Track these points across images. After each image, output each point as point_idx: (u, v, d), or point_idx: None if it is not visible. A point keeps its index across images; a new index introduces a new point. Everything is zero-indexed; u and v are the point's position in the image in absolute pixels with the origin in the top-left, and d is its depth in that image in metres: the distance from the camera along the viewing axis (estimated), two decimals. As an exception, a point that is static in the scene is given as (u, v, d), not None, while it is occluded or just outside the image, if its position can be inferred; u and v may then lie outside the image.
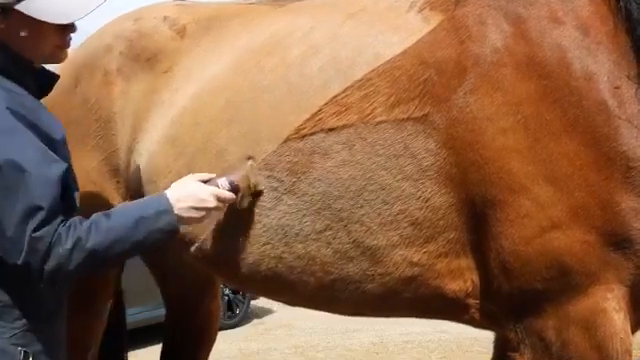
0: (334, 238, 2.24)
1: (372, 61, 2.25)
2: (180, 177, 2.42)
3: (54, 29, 1.94)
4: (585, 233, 2.00)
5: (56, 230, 1.83)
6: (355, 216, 2.20)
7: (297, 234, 2.28)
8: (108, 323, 3.13)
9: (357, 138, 2.20)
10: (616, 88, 2.02)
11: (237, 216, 2.35)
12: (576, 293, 2.02)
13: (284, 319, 8.25)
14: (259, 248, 2.34)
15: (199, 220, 2.13)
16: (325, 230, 2.25)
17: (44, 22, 1.91)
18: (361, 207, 2.20)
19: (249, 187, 2.26)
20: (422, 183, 2.14)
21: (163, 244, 2.11)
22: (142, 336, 6.19)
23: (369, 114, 2.19)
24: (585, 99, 2.02)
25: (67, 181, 1.93)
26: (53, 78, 2.12)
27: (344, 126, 2.22)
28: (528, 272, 2.05)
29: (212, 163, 2.41)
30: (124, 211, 2.00)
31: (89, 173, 2.73)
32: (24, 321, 1.92)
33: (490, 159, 2.06)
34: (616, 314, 2.01)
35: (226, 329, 7.54)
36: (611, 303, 2.01)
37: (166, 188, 2.45)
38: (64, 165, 1.91)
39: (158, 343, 3.37)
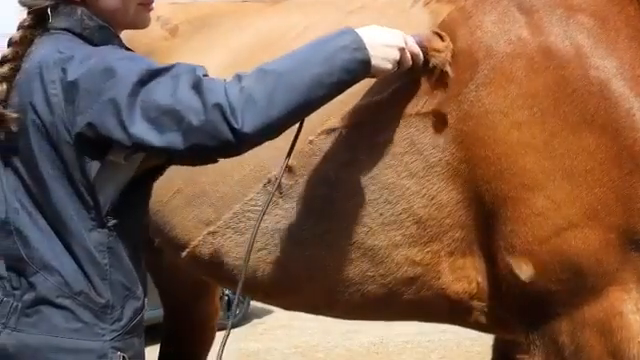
0: (334, 241, 2.18)
1: None
2: (170, 180, 2.34)
3: None
4: (604, 232, 1.91)
5: (210, 81, 1.70)
6: (356, 217, 2.13)
7: (295, 239, 2.21)
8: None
9: (360, 138, 2.13)
10: (638, 77, 1.93)
11: (232, 222, 2.30)
12: (591, 295, 1.94)
13: (284, 319, 8.22)
14: (254, 254, 2.26)
15: (387, 66, 1.89)
16: (325, 233, 2.18)
17: None
18: (363, 208, 2.13)
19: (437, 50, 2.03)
20: (428, 180, 2.06)
21: (351, 82, 1.86)
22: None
23: (373, 113, 2.12)
24: (605, 89, 1.93)
25: None
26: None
27: (345, 126, 2.15)
28: (542, 273, 1.97)
29: (205, 168, 2.29)
30: (311, 46, 1.81)
31: None
32: (124, 322, 1.81)
33: (503, 154, 1.97)
34: (633, 316, 1.92)
35: (226, 329, 7.51)
36: (628, 305, 1.92)
37: (155, 191, 2.40)
38: None
39: (156, 343, 3.32)
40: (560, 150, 1.93)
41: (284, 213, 2.22)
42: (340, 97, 2.10)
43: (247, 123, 1.67)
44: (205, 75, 1.73)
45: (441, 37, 2.02)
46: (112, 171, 1.75)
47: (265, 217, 2.21)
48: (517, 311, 2.08)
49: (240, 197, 2.30)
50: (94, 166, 1.73)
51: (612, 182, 1.90)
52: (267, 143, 2.22)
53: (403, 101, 2.09)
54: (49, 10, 1.82)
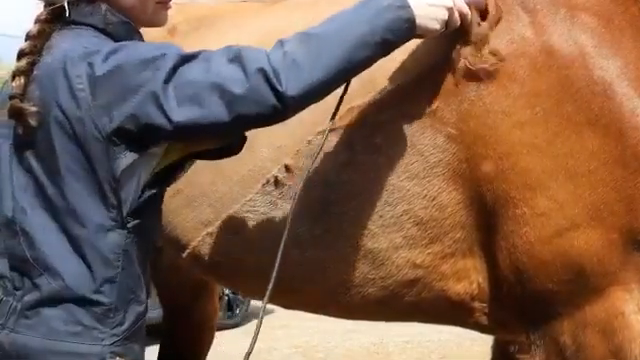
0: (333, 242, 2.16)
1: None
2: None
3: None
4: (607, 232, 1.90)
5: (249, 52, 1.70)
6: (355, 219, 2.12)
7: (294, 239, 2.16)
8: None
9: (359, 138, 2.11)
10: None
11: (231, 222, 2.28)
12: (593, 295, 1.93)
13: (284, 319, 8.21)
14: (254, 255, 2.26)
15: (435, 26, 1.84)
16: (323, 234, 2.16)
17: None
18: (362, 209, 2.11)
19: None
20: (428, 181, 2.05)
21: (397, 42, 1.83)
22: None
23: (372, 113, 2.10)
24: (609, 89, 1.91)
25: None
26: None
27: (344, 126, 2.12)
28: (543, 273, 1.95)
29: (203, 167, 2.29)
30: (353, 7, 1.76)
31: None
32: (125, 327, 1.77)
33: (505, 154, 1.95)
34: (635, 317, 1.91)
35: (226, 329, 7.51)
36: (630, 305, 1.91)
37: None
38: None
39: (156, 344, 3.31)
40: (563, 150, 1.92)
41: (283, 214, 2.19)
42: (337, 96, 2.09)
43: (291, 86, 1.66)
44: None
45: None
46: (139, 167, 1.72)
47: (264, 218, 2.22)
48: (518, 311, 2.06)
49: (239, 197, 2.28)
50: (125, 161, 1.70)
51: (615, 182, 1.89)
52: (266, 143, 2.22)
53: (402, 101, 2.08)
54: (67, 5, 1.79)
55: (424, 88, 2.06)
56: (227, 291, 7.99)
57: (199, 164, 2.32)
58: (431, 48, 2.08)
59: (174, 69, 1.67)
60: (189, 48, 2.58)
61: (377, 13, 1.73)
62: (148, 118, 1.67)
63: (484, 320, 2.15)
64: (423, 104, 2.05)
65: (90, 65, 1.69)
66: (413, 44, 2.10)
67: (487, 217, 2.02)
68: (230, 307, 8.24)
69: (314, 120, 2.14)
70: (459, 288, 2.11)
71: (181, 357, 3.25)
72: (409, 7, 1.76)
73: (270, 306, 7.73)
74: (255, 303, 8.68)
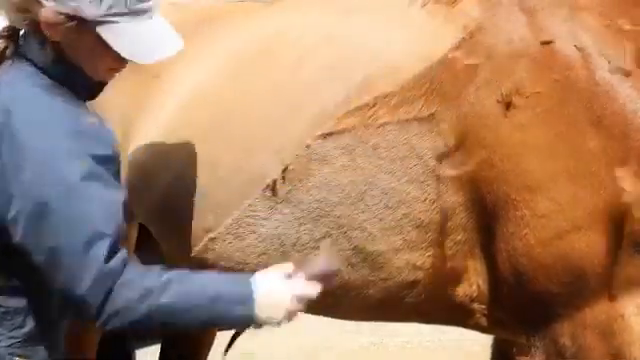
0: (333, 246, 2.15)
1: (372, 62, 2.16)
2: (169, 189, 2.39)
3: (118, 56, 1.80)
4: (608, 235, 1.91)
5: (125, 266, 1.68)
6: (355, 222, 2.12)
7: (294, 243, 2.21)
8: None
9: (358, 142, 2.11)
10: None
11: (232, 228, 2.29)
12: (593, 297, 1.94)
13: (284, 319, 8.22)
14: (255, 259, 2.27)
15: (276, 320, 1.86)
16: (324, 238, 2.17)
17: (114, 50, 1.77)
18: (362, 213, 2.11)
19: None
20: (428, 184, 2.06)
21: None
22: (141, 337, 6.15)
23: (371, 117, 2.10)
24: (612, 90, 1.92)
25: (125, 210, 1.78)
26: (102, 83, 1.95)
27: (343, 130, 2.12)
28: (543, 275, 1.96)
29: (203, 172, 2.35)
30: (206, 281, 1.80)
31: None
32: (26, 330, 1.80)
33: (505, 156, 1.96)
34: (635, 319, 1.93)
35: (226, 329, 7.49)
36: (630, 307, 1.93)
37: (158, 198, 2.41)
38: (124, 193, 1.79)
39: (157, 343, 3.32)
40: (564, 152, 1.92)
41: (283, 218, 2.21)
42: (336, 99, 2.14)
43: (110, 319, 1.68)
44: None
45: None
46: None
47: (264, 222, 2.23)
48: (518, 313, 2.08)
49: (239, 203, 2.29)
50: None
51: (617, 185, 1.90)
52: (265, 148, 2.22)
53: (401, 104, 2.08)
54: (21, 35, 1.78)
55: (421, 90, 2.06)
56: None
57: (199, 170, 2.34)
58: (429, 49, 2.09)
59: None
60: (190, 54, 2.56)
61: (223, 310, 1.75)
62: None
63: (484, 321, 2.17)
64: (422, 107, 2.06)
65: (8, 114, 1.68)
66: (412, 45, 2.13)
67: (487, 219, 2.03)
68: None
69: (313, 124, 2.16)
70: (459, 290, 2.13)
71: (182, 357, 3.26)
72: (252, 315, 1.76)
73: (270, 306, 7.49)
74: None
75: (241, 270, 2.31)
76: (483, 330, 2.25)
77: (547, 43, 1.98)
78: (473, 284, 2.12)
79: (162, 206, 2.48)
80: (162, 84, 2.59)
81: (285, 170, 2.19)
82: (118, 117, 2.60)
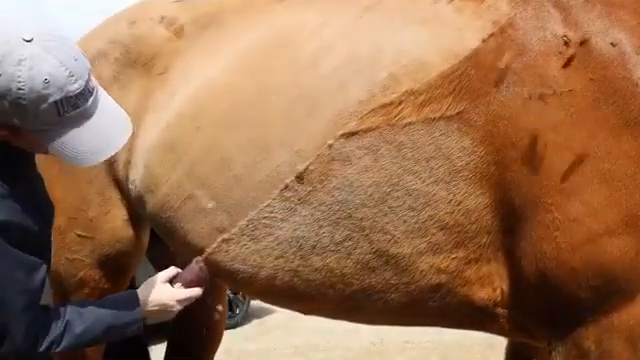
0: (355, 249, 2.10)
1: (397, 58, 2.08)
2: (179, 186, 2.34)
3: None
4: None
5: (33, 337, 1.86)
6: (378, 225, 2.06)
7: (314, 246, 2.14)
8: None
9: (382, 142, 2.04)
10: None
11: (247, 229, 2.24)
12: (622, 301, 1.88)
13: (284, 319, 8.20)
14: (272, 262, 2.21)
15: (165, 319, 2.22)
16: (345, 241, 2.10)
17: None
18: (385, 215, 2.05)
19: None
20: (455, 185, 1.99)
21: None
22: (148, 335, 6.15)
23: (396, 116, 2.04)
24: None
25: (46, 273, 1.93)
26: None
27: (367, 129, 2.06)
28: (572, 280, 1.90)
29: (216, 171, 2.28)
30: (98, 316, 1.98)
31: (92, 183, 2.60)
32: None
33: (536, 157, 1.89)
34: None
35: (226, 329, 7.48)
36: None
37: (164, 197, 2.39)
38: (44, 266, 1.88)
39: (163, 342, 3.33)
40: (599, 153, 1.86)
41: (302, 220, 2.15)
42: (360, 97, 2.08)
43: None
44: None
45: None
46: None
47: (282, 224, 2.17)
48: (541, 317, 2.03)
49: (256, 203, 2.22)
50: None
51: None
52: (283, 147, 2.17)
53: (427, 102, 2.02)
54: None
55: (449, 88, 2.01)
56: (227, 291, 7.96)
57: (212, 168, 2.29)
58: (458, 46, 2.03)
59: None
60: (200, 50, 2.52)
61: (118, 326, 2.00)
62: None
63: (507, 326, 2.11)
64: (449, 105, 2.00)
65: None
66: (440, 42, 2.06)
67: (514, 222, 1.97)
68: (230, 307, 8.23)
69: (335, 122, 2.10)
70: (483, 294, 2.07)
71: (189, 356, 3.23)
72: (139, 322, 2.03)
73: (270, 306, 7.69)
74: (255, 303, 8.68)
75: (257, 273, 2.27)
76: (504, 333, 2.21)
77: (583, 41, 1.92)
78: (497, 289, 2.06)
79: (170, 205, 2.42)
80: (169, 81, 2.52)
81: (305, 170, 2.13)
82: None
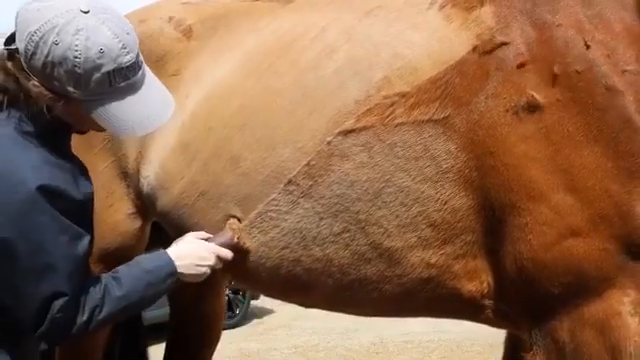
0: (352, 240, 2.23)
1: (391, 61, 2.21)
2: (194, 183, 2.45)
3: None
4: (604, 241, 2.00)
5: (77, 306, 1.85)
6: (373, 218, 2.19)
7: (315, 237, 2.27)
8: (126, 321, 3.11)
9: (376, 140, 2.17)
10: None
11: (256, 221, 2.34)
12: (591, 296, 2.02)
13: (284, 319, 8.23)
14: (278, 253, 2.33)
15: (200, 277, 2.18)
16: (343, 232, 2.23)
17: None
18: (379, 209, 2.18)
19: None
20: (441, 185, 2.12)
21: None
22: (147, 335, 6.16)
23: (388, 116, 2.17)
24: (609, 114, 1.99)
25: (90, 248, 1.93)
26: None
27: (363, 128, 2.19)
28: (545, 277, 2.05)
29: (226, 169, 2.40)
30: (134, 275, 1.99)
31: (98, 176, 2.63)
32: None
33: (510, 165, 2.04)
34: (631, 318, 2.00)
35: (226, 329, 7.49)
36: (626, 307, 2.00)
37: (179, 194, 2.48)
38: (88, 237, 1.89)
39: (162, 342, 3.36)
40: (564, 166, 2.00)
41: (304, 212, 2.27)
42: (357, 97, 2.21)
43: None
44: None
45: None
46: None
47: (286, 217, 2.31)
48: (523, 310, 2.15)
49: (263, 197, 2.34)
50: None
51: (611, 198, 1.99)
52: (288, 144, 2.30)
53: (417, 106, 2.14)
54: (5, 98, 1.84)
55: (436, 93, 2.13)
56: (227, 291, 7.99)
57: (224, 167, 2.39)
58: (446, 53, 2.14)
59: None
60: (211, 52, 2.63)
61: (156, 282, 2.03)
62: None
63: (493, 316, 2.24)
64: (436, 109, 2.12)
65: None
66: (430, 48, 2.18)
67: (495, 223, 2.10)
68: (230, 307, 8.24)
69: (334, 120, 2.23)
70: (471, 287, 2.19)
71: (188, 355, 3.27)
72: (174, 277, 2.07)
73: (270, 306, 7.79)
74: (255, 303, 8.70)
75: (264, 264, 2.37)
76: (492, 324, 2.33)
77: (556, 60, 2.04)
78: (484, 282, 2.18)
79: (185, 202, 2.51)
80: (181, 82, 2.62)
81: (307, 165, 2.25)
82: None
